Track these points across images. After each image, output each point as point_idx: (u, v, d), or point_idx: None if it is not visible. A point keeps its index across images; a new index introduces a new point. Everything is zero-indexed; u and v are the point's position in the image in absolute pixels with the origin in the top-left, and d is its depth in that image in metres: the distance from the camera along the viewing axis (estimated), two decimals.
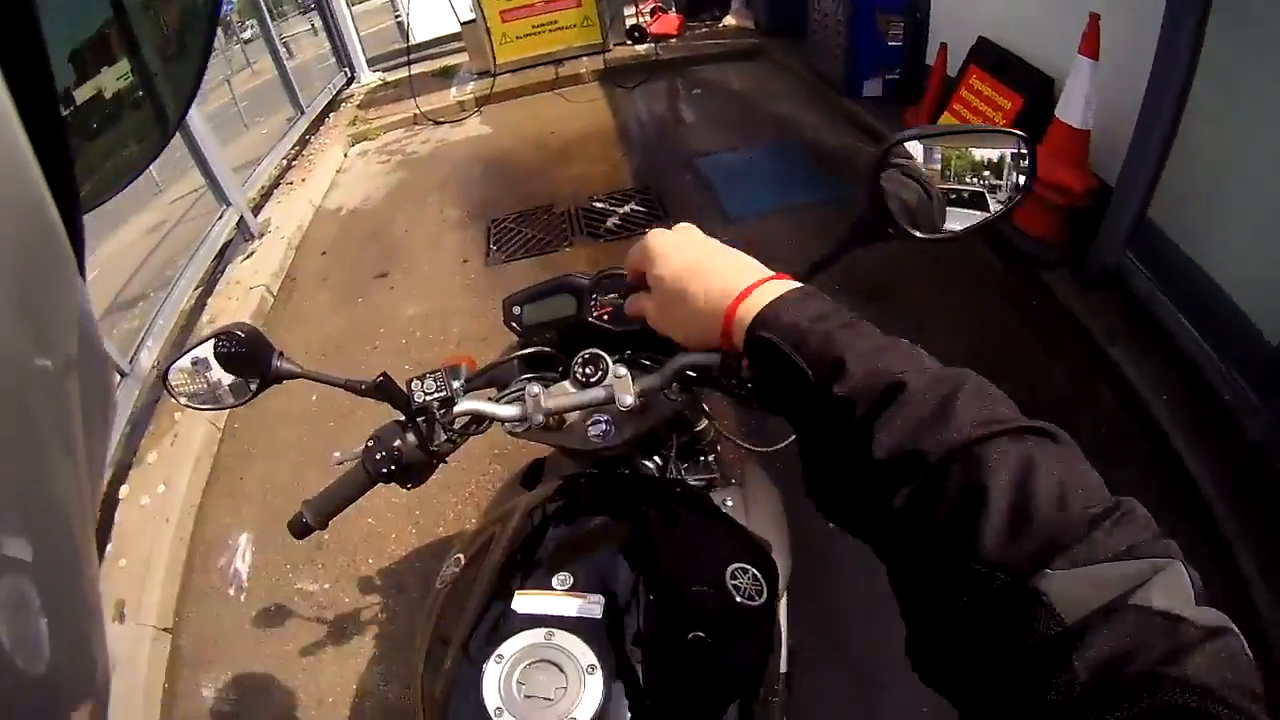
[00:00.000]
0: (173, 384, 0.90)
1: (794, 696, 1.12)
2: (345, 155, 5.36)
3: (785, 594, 1.04)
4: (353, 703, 1.94)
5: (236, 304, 3.56)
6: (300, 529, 0.94)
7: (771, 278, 0.59)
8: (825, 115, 4.61)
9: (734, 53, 5.94)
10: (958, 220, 0.71)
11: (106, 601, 2.22)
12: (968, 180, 0.68)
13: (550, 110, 5.55)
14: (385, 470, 0.91)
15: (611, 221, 3.84)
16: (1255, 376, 2.04)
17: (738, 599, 0.83)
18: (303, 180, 4.86)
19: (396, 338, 3.29)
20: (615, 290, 0.97)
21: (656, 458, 1.14)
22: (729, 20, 6.52)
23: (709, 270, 0.61)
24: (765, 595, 0.85)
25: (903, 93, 4.29)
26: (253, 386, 0.90)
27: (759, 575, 0.87)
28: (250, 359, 0.88)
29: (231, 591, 2.34)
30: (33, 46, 0.21)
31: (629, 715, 0.72)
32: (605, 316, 0.96)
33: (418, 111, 5.63)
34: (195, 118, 3.79)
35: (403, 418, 0.93)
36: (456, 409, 0.91)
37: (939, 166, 0.69)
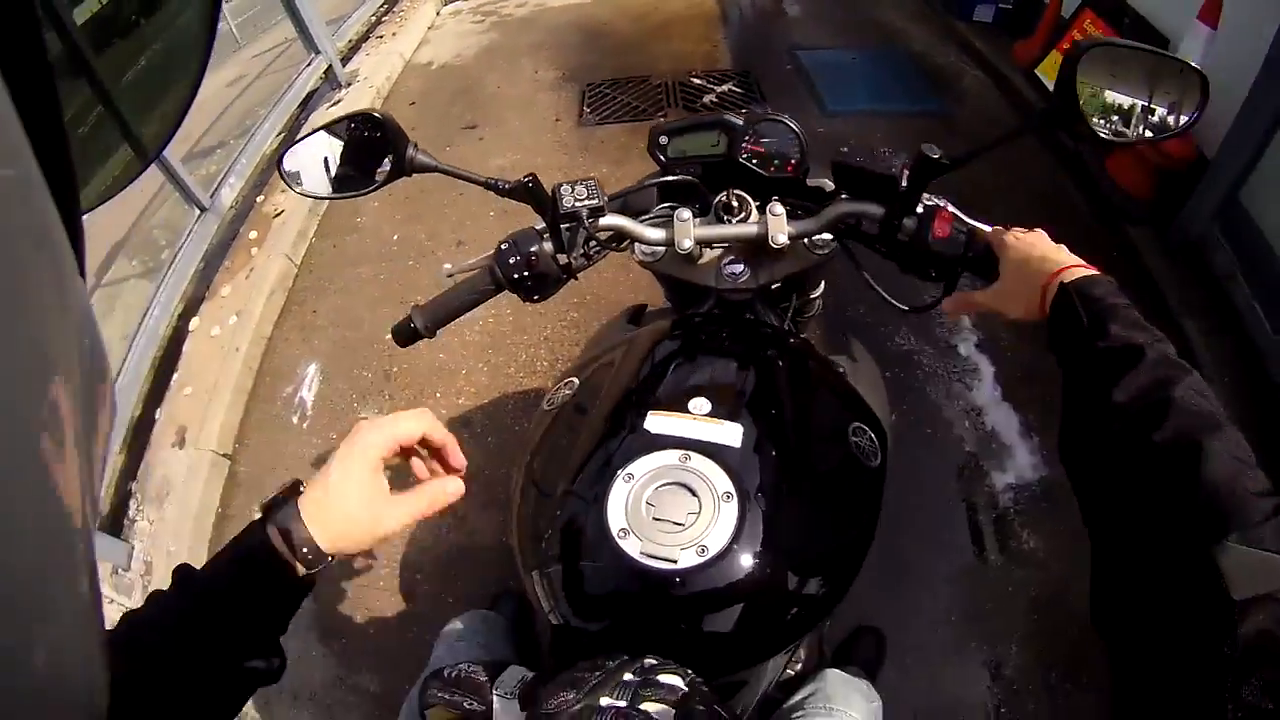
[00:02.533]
0: (288, 170, 0.85)
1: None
2: (438, 14, 5.12)
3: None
4: (405, 534, 1.83)
5: None
6: (407, 334, 0.88)
7: (1084, 264, 0.74)
8: (933, 32, 4.31)
9: None
10: (1131, 131, 0.74)
11: (168, 428, 2.21)
12: (1140, 97, 0.74)
13: None
14: (517, 275, 0.86)
15: (708, 98, 3.70)
16: None
17: (858, 457, 0.81)
18: (393, 34, 4.66)
19: None
20: (771, 135, 0.94)
21: (773, 315, 1.08)
22: None
23: (1043, 256, 0.77)
24: (879, 459, 0.83)
25: (1012, 23, 4.04)
26: (379, 176, 0.84)
27: (875, 438, 0.85)
28: (383, 147, 0.82)
29: (295, 419, 2.27)
30: (32, 45, 0.20)
31: (758, 550, 0.68)
32: (755, 159, 0.94)
33: None
34: None
35: (540, 225, 0.88)
36: (602, 221, 0.87)
37: (1123, 79, 0.73)
